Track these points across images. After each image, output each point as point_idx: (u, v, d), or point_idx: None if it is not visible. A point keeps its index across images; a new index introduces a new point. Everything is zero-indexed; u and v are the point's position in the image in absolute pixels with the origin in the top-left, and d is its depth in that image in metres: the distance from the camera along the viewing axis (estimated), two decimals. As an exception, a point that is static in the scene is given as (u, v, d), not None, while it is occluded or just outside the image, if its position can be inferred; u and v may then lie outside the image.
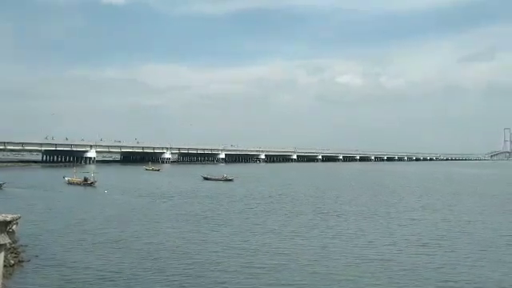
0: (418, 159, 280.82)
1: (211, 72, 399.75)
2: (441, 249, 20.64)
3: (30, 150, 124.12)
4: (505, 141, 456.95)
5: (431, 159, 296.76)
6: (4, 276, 15.27)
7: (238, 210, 33.26)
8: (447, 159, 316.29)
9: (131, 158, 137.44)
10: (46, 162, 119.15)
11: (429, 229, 25.98)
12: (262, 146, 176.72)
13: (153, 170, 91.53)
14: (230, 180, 63.36)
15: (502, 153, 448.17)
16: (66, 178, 54.37)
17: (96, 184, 50.77)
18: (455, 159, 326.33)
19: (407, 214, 31.89)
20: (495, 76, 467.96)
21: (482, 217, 31.58)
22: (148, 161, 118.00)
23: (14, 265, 16.34)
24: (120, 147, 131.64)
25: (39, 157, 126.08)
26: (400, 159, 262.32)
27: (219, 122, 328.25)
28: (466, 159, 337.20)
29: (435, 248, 20.78)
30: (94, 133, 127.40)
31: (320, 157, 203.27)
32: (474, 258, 19.14)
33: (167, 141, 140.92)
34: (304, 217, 30.05)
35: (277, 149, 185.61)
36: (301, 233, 24.16)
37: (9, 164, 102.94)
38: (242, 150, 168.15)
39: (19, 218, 21.09)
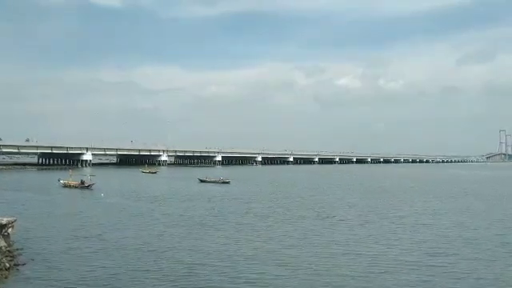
0: (414, 161, 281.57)
1: (207, 74, 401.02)
2: (453, 257, 19.55)
3: (26, 153, 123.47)
4: (500, 142, 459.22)
5: (427, 161, 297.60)
6: (-1, 280, 15.15)
7: (235, 213, 32.73)
8: (443, 161, 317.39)
9: (127, 161, 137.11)
10: (41, 164, 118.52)
11: (438, 234, 25.02)
12: (259, 148, 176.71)
13: (150, 172, 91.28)
14: (226, 182, 63.21)
15: (497, 154, 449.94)
16: (61, 181, 54.02)
17: (93, 187, 50.52)
18: (451, 161, 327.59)
19: (412, 219, 30.92)
20: (493, 77, 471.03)
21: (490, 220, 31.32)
22: (144, 163, 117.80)
23: (9, 268, 16.20)
24: (116, 149, 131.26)
25: (35, 159, 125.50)
26: (396, 161, 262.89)
27: (215, 124, 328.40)
28: (462, 161, 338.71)
29: (447, 257, 19.57)
30: (88, 134, 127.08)
31: (316, 159, 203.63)
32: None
33: (164, 143, 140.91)
34: (306, 221, 29.15)
35: (273, 151, 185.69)
36: (304, 239, 23.31)
37: (4, 167, 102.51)
38: (238, 153, 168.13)
39: (15, 221, 21.02)
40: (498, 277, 16.77)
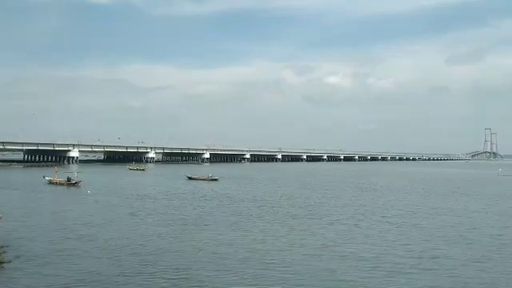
0: (401, 159, 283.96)
1: (197, 72, 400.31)
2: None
3: (12, 150, 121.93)
4: (485, 141, 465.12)
5: (414, 159, 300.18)
6: (-16, 277, 15.08)
7: (226, 212, 32.33)
8: (429, 159, 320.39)
9: (115, 158, 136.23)
10: (27, 161, 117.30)
11: (433, 235, 24.84)
12: (247, 146, 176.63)
13: (137, 169, 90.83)
14: (215, 180, 63.20)
15: (482, 153, 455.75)
16: (47, 178, 53.38)
17: (80, 184, 50.14)
18: (437, 159, 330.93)
19: (406, 218, 30.71)
20: (481, 78, 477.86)
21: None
22: (132, 160, 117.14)
23: (-6, 266, 16.14)
24: (103, 146, 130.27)
25: (21, 156, 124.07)
26: (383, 159, 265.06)
27: (205, 122, 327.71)
28: (447, 159, 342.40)
29: (442, 259, 19.28)
30: (78, 132, 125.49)
31: (304, 156, 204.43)
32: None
33: (151, 140, 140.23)
34: (299, 221, 28.70)
35: (262, 148, 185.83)
36: (299, 240, 22.72)
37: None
38: (226, 150, 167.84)
39: (0, 218, 20.87)
40: (497, 279, 16.83)
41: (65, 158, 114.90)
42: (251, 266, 17.69)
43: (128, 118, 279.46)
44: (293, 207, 35.67)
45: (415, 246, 21.63)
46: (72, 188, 48.72)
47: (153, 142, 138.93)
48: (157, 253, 19.46)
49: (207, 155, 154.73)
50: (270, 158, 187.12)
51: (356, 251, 20.44)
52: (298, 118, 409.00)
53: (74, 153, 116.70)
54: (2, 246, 19.14)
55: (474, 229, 27.15)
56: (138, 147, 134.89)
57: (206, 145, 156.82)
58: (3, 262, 16.92)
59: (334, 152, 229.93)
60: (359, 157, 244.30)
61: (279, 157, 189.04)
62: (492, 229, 27.29)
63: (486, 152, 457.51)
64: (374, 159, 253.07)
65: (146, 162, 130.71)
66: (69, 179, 51.37)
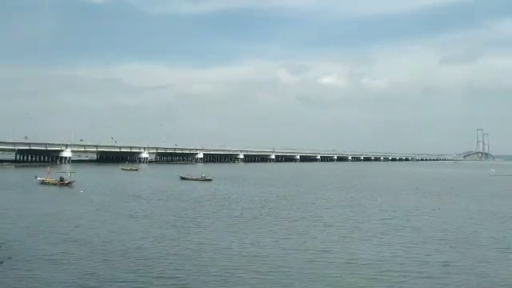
0: (394, 159, 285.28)
1: (193, 72, 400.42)
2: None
3: (3, 150, 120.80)
4: (477, 141, 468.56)
5: (407, 159, 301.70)
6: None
7: (221, 213, 31.59)
8: (422, 159, 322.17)
9: (108, 158, 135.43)
10: (19, 161, 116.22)
11: (431, 237, 24.44)
12: (240, 146, 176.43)
13: (130, 169, 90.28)
14: (208, 180, 62.79)
15: (474, 153, 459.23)
16: (39, 178, 52.46)
17: (73, 184, 49.53)
18: (430, 159, 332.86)
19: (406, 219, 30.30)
20: (474, 78, 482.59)
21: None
22: (125, 160, 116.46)
23: (-15, 268, 15.73)
24: (96, 146, 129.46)
25: (12, 156, 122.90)
26: (376, 159, 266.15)
27: (202, 122, 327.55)
28: (439, 159, 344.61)
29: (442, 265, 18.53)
30: (76, 132, 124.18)
31: (298, 157, 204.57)
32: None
33: (145, 140, 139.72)
34: (296, 223, 28.06)
35: (255, 149, 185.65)
36: (297, 242, 22.02)
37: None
38: (220, 150, 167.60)
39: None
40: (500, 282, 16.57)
41: (57, 158, 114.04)
42: (249, 270, 17.29)
43: (125, 117, 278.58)
44: (290, 208, 35.18)
45: (416, 249, 21.31)
46: (65, 188, 48.11)
47: (146, 142, 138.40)
48: (152, 257, 18.80)
49: (201, 155, 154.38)
50: (264, 159, 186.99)
51: (356, 255, 20.01)
52: (297, 118, 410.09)
53: (67, 153, 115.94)
54: (-6, 248, 18.75)
55: (475, 231, 26.79)
56: (131, 147, 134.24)
57: (198, 145, 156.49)
58: (-6, 264, 16.53)
59: (328, 152, 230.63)
60: (352, 157, 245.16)
61: (273, 157, 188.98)
62: (494, 230, 26.95)
63: (478, 152, 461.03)
64: (367, 159, 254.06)
65: (140, 162, 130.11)
66: (61, 179, 50.69)
